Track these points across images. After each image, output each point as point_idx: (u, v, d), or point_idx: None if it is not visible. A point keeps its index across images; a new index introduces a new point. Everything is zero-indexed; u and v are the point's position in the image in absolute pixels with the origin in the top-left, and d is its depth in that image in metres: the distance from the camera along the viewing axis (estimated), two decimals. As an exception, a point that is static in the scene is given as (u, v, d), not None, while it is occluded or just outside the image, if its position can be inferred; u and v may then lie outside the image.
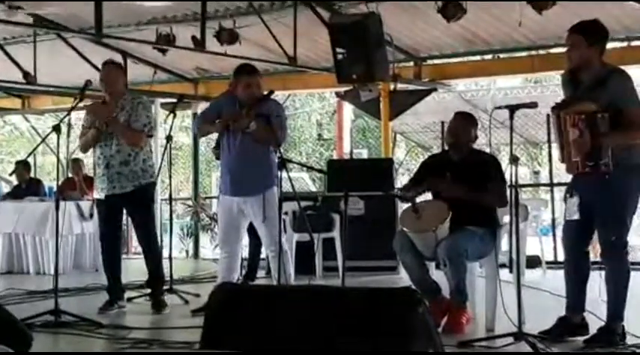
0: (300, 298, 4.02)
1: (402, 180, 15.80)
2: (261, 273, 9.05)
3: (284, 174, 5.97)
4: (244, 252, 8.08)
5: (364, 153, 20.63)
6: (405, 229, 5.99)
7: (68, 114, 6.74)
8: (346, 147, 16.35)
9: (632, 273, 5.24)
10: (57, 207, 6.46)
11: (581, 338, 5.24)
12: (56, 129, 6.29)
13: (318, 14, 10.18)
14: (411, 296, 3.72)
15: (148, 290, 7.22)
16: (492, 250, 5.94)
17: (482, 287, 6.05)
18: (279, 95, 10.10)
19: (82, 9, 9.98)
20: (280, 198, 6.16)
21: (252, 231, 6.92)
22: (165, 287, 7.44)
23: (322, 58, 11.56)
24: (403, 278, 7.77)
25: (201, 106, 13.93)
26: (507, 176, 5.65)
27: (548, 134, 12.37)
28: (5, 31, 11.33)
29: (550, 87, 17.47)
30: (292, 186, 6.13)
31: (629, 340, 5.19)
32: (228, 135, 6.49)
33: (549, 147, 12.69)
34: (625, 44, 10.71)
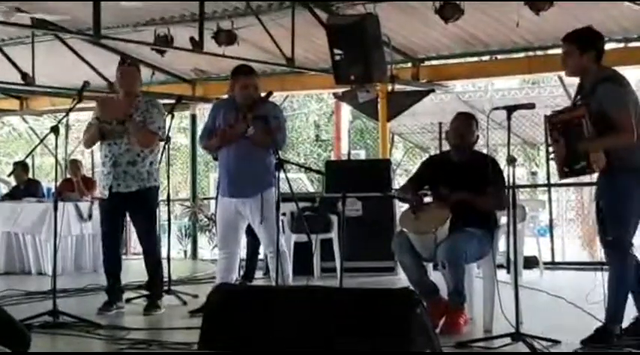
0: (298, 299, 4.03)
1: (399, 181, 15.81)
2: (259, 274, 9.06)
3: (282, 175, 5.98)
4: (242, 252, 8.09)
5: (362, 154, 20.61)
6: (404, 230, 5.99)
7: (66, 115, 6.74)
8: (344, 148, 16.33)
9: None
10: (55, 208, 6.46)
11: None
12: (54, 130, 6.29)
13: (316, 15, 10.19)
14: (409, 296, 3.73)
15: (146, 292, 7.22)
16: (490, 251, 5.95)
17: (480, 288, 6.05)
18: (276, 96, 10.12)
19: (80, 10, 9.99)
20: (278, 199, 6.16)
21: (250, 231, 6.92)
22: (163, 289, 7.45)
23: (320, 59, 11.56)
24: (401, 278, 7.78)
25: (200, 107, 13.98)
26: (505, 177, 5.67)
27: (546, 135, 12.38)
28: (3, 32, 11.33)
29: (547, 88, 17.47)
30: (290, 187, 6.14)
31: (626, 341, 5.20)
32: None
33: (547, 148, 12.65)
34: (622, 45, 10.73)
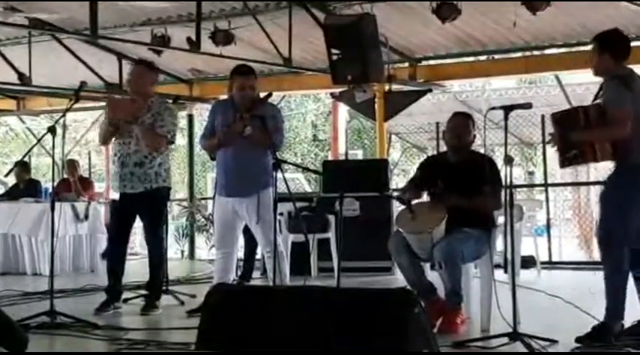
0: (296, 299, 4.03)
1: (397, 180, 15.84)
2: (256, 274, 9.06)
3: (279, 175, 5.98)
4: (240, 252, 8.09)
5: (359, 154, 20.63)
6: (401, 230, 6.00)
7: (63, 115, 6.74)
8: (341, 148, 16.31)
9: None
10: (52, 209, 6.46)
11: None
12: (51, 130, 6.28)
13: (313, 15, 10.19)
14: (407, 296, 3.73)
15: (145, 292, 7.22)
16: (488, 251, 5.96)
17: (478, 288, 6.06)
18: (274, 96, 10.11)
19: (77, 10, 9.98)
20: (275, 198, 6.16)
21: (248, 231, 6.92)
22: (162, 290, 7.45)
23: (317, 59, 11.56)
24: (398, 278, 7.77)
25: (197, 107, 13.98)
26: (502, 177, 5.68)
27: (543, 135, 12.40)
28: (0, 32, 11.32)
29: (544, 88, 17.47)
30: (287, 186, 6.14)
31: (625, 341, 5.20)
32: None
33: (544, 147, 12.71)
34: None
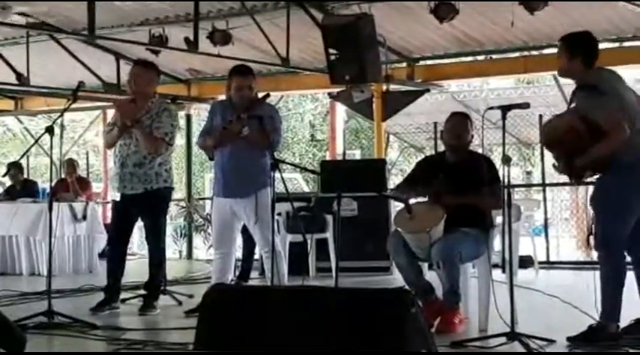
0: (294, 299, 4.03)
1: (395, 180, 15.81)
2: (254, 274, 9.05)
3: (277, 175, 5.98)
4: (238, 252, 8.09)
5: (357, 154, 20.63)
6: (399, 229, 5.99)
7: (61, 115, 6.74)
8: (339, 147, 16.32)
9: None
10: (50, 209, 6.45)
11: None
12: (49, 130, 6.27)
13: (311, 15, 10.19)
14: (405, 296, 3.72)
15: (142, 292, 7.22)
16: (486, 251, 5.96)
17: (475, 288, 6.06)
18: (271, 96, 10.10)
19: (74, 10, 9.98)
20: (273, 198, 6.16)
21: (246, 231, 6.92)
22: (160, 291, 7.45)
23: (315, 59, 11.57)
24: (396, 278, 7.78)
25: (195, 107, 13.98)
26: (500, 176, 5.68)
27: (541, 134, 12.40)
28: (-2, 32, 11.33)
29: (542, 87, 17.50)
30: (285, 187, 6.14)
31: (624, 340, 5.20)
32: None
33: (542, 147, 12.70)
34: (617, 45, 10.75)
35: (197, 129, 11.87)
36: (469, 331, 5.83)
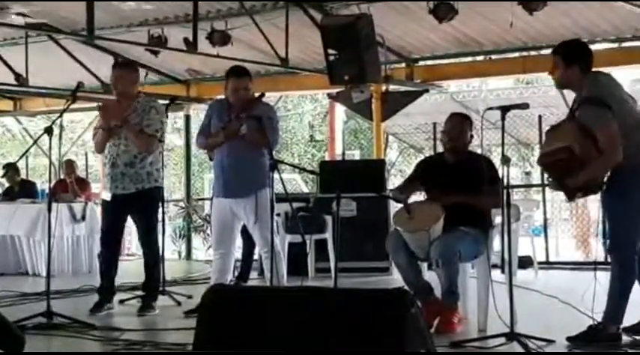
0: (293, 299, 4.02)
1: (394, 181, 15.83)
2: (253, 274, 9.05)
3: (276, 176, 5.98)
4: (237, 253, 8.09)
5: (356, 155, 20.64)
6: (398, 229, 6.00)
7: (60, 116, 6.73)
8: (338, 148, 16.34)
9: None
10: (49, 209, 6.45)
11: None
12: (48, 131, 6.27)
13: (310, 16, 10.19)
14: (404, 297, 3.72)
15: (141, 293, 7.22)
16: (485, 251, 5.96)
17: (475, 288, 6.06)
18: (270, 97, 10.10)
19: (73, 11, 9.97)
20: (272, 199, 6.17)
21: (245, 232, 6.92)
22: (158, 291, 7.45)
23: (314, 60, 11.57)
24: (395, 279, 7.78)
25: (194, 108, 13.97)
26: (499, 176, 5.68)
27: (540, 135, 12.40)
28: (-3, 32, 11.33)
29: (542, 88, 17.50)
30: (284, 187, 6.14)
31: (624, 340, 5.20)
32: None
33: (541, 147, 12.71)
34: (616, 45, 10.75)
35: (196, 129, 11.87)
36: (468, 331, 5.83)
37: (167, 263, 8.13)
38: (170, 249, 13.44)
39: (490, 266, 5.95)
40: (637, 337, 5.27)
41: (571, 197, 5.38)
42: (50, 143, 6.32)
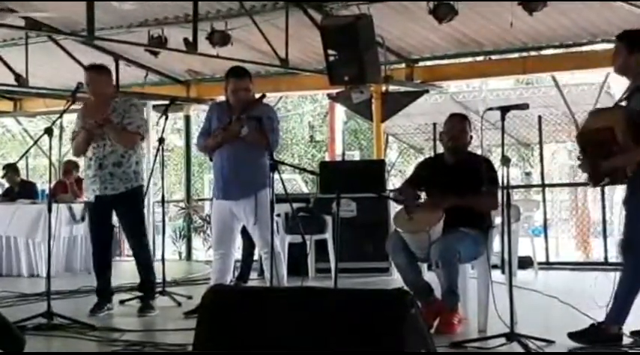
0: (293, 300, 4.02)
1: (394, 181, 15.83)
2: (253, 275, 9.06)
3: (276, 176, 5.98)
4: (237, 253, 8.09)
5: (356, 155, 20.65)
6: (398, 229, 6.00)
7: (60, 116, 6.74)
8: (338, 148, 16.35)
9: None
10: (49, 210, 6.46)
11: None
12: (48, 131, 6.28)
13: (310, 16, 10.20)
14: (404, 297, 3.72)
15: (140, 293, 7.22)
16: (485, 251, 5.96)
17: (475, 288, 6.06)
18: (270, 97, 10.09)
19: (73, 11, 9.97)
20: (272, 199, 6.17)
21: (245, 232, 6.92)
22: (157, 290, 7.45)
23: (314, 60, 11.57)
24: (395, 279, 7.79)
25: (194, 108, 13.98)
26: (499, 177, 5.68)
27: (540, 135, 12.41)
28: (-3, 33, 11.32)
29: (541, 88, 17.50)
30: (284, 187, 6.14)
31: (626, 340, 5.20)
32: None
33: (541, 148, 12.72)
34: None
35: (196, 130, 11.88)
36: (468, 332, 5.83)
37: (167, 263, 8.13)
38: (170, 249, 13.44)
39: (490, 266, 5.95)
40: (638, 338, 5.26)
41: (597, 181, 5.30)
42: (50, 144, 6.33)
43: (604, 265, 10.25)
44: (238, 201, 6.42)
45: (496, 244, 6.43)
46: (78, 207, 10.74)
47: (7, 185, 12.38)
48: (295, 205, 8.63)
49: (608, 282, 5.27)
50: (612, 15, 9.73)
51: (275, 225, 6.47)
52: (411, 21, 10.50)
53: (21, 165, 13.93)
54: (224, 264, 6.57)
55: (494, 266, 6.34)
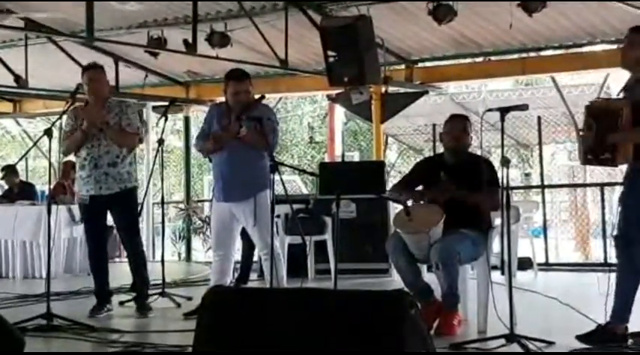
0: (293, 301, 4.02)
1: (393, 182, 15.83)
2: (253, 276, 9.06)
3: (276, 177, 5.98)
4: (237, 254, 8.08)
5: (356, 156, 20.63)
6: (398, 231, 5.99)
7: (60, 117, 6.73)
8: (338, 149, 16.34)
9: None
10: (49, 211, 6.45)
11: None
12: (48, 132, 6.28)
13: (310, 17, 10.19)
14: (403, 298, 3.72)
15: (134, 293, 7.22)
16: (485, 252, 5.96)
17: (474, 289, 6.06)
18: (270, 98, 10.09)
19: (73, 12, 9.97)
20: (272, 200, 6.16)
21: (245, 233, 6.92)
22: (157, 291, 7.45)
23: (314, 61, 11.57)
24: (395, 280, 7.78)
25: (193, 109, 13.97)
26: (499, 178, 5.68)
27: (539, 136, 12.41)
28: (-4, 34, 11.32)
29: (541, 89, 17.49)
30: (284, 188, 6.14)
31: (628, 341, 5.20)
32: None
33: (540, 148, 12.73)
34: (614, 46, 10.74)
35: (196, 131, 11.88)
36: (468, 333, 5.83)
37: (167, 264, 8.13)
38: (170, 250, 13.45)
39: (490, 267, 5.95)
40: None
41: (597, 156, 5.23)
42: (50, 145, 6.33)
43: (603, 266, 10.25)
44: (238, 203, 6.42)
45: (496, 245, 6.44)
46: (77, 208, 10.72)
47: (6, 186, 12.37)
48: (295, 206, 8.63)
49: (608, 283, 5.27)
50: (611, 16, 9.74)
51: (275, 226, 6.47)
52: (411, 22, 10.50)
53: (20, 166, 13.94)
54: (224, 265, 6.58)
55: (494, 267, 6.34)
